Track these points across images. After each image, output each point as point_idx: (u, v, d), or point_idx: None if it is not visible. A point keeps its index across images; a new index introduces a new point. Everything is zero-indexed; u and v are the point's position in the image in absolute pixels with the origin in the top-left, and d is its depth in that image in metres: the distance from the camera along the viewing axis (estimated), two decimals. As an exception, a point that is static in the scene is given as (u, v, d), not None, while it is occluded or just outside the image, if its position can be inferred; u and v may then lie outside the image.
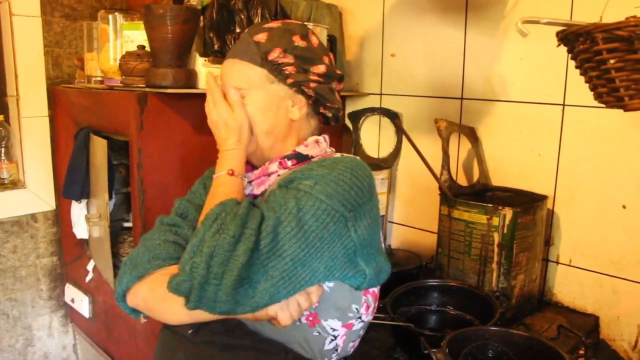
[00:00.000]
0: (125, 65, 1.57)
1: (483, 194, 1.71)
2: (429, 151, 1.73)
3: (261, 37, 1.01)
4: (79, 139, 1.75)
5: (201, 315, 0.86)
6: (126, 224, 2.00)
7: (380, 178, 1.91)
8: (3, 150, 1.97)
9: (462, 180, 1.80)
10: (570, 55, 1.02)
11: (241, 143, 1.01)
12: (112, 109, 1.64)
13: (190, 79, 1.53)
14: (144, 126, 1.51)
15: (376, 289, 1.04)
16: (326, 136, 1.11)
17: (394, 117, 1.97)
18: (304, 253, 0.84)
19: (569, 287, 1.62)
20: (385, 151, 2.05)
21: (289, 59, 1.00)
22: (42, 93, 2.00)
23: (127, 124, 1.53)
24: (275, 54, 1.00)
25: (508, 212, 1.44)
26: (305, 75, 1.01)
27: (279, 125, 1.04)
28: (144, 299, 0.94)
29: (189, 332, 0.96)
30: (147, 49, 1.54)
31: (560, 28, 1.01)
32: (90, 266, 1.92)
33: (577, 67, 1.02)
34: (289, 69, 1.00)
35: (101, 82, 1.78)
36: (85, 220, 1.81)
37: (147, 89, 1.51)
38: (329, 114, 1.09)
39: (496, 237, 1.45)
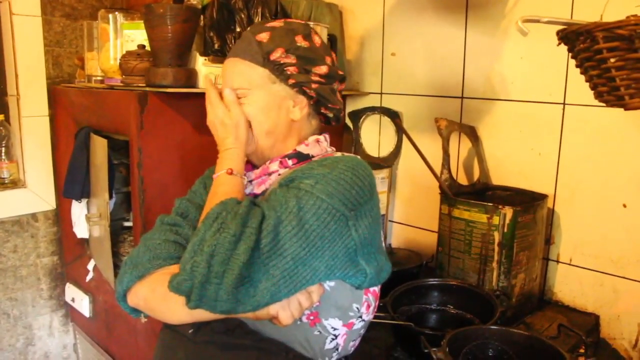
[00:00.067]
0: (126, 65, 1.57)
1: (483, 193, 1.72)
2: (430, 150, 1.73)
3: (263, 36, 1.01)
4: (79, 138, 1.75)
5: (202, 315, 0.86)
6: (126, 224, 2.00)
7: (380, 177, 1.91)
8: (3, 149, 1.97)
9: (463, 180, 1.80)
10: (570, 54, 1.02)
11: (239, 141, 1.01)
12: (113, 108, 1.64)
13: (191, 78, 1.53)
14: (144, 125, 1.51)
15: (377, 288, 1.04)
16: (327, 135, 1.11)
17: (394, 116, 1.97)
18: (304, 252, 0.84)
19: (570, 286, 1.62)
20: (385, 150, 2.05)
21: (291, 59, 1.00)
22: (42, 92, 2.00)
23: (128, 124, 1.53)
24: (277, 54, 1.00)
25: (508, 211, 1.44)
26: (306, 76, 1.01)
27: (279, 126, 1.04)
28: (145, 298, 0.94)
29: (190, 331, 0.96)
30: (148, 48, 1.54)
31: (560, 27, 1.01)
32: (90, 265, 1.92)
33: (577, 66, 1.02)
34: (291, 70, 1.00)
35: (101, 81, 1.78)
36: (85, 219, 1.81)
37: (147, 89, 1.51)
38: (330, 114, 1.09)
39: (496, 236, 1.46)
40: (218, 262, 0.81)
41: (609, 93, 0.96)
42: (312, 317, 0.95)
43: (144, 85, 1.53)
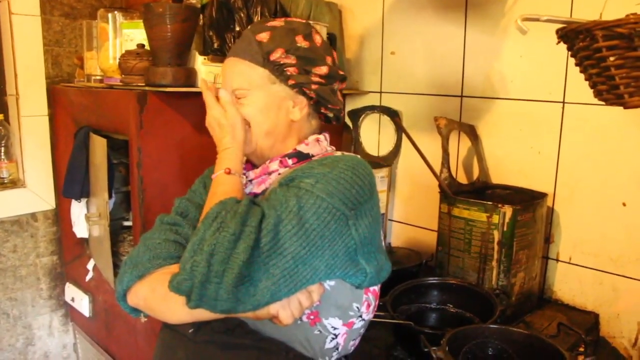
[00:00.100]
0: (125, 64, 1.56)
1: (483, 191, 1.72)
2: (429, 149, 1.73)
3: (263, 36, 1.01)
4: (79, 138, 1.75)
5: (202, 314, 0.86)
6: (126, 223, 2.00)
7: (380, 176, 1.91)
8: (3, 149, 1.97)
9: (462, 178, 1.80)
10: (570, 52, 1.02)
11: (236, 141, 1.01)
12: (112, 107, 1.64)
13: (190, 77, 1.52)
14: (144, 125, 1.51)
15: (377, 288, 1.04)
16: (327, 135, 1.11)
17: (393, 115, 1.97)
18: (305, 251, 0.84)
19: (569, 284, 1.62)
20: (385, 149, 2.05)
21: (291, 59, 1.00)
22: (41, 92, 2.00)
23: (127, 123, 1.53)
24: (277, 55, 0.99)
25: (508, 210, 1.44)
26: (306, 77, 1.01)
27: (279, 126, 1.03)
28: (145, 298, 0.94)
29: (190, 331, 0.96)
30: (147, 47, 1.54)
31: (560, 25, 1.01)
32: (90, 265, 1.92)
33: (576, 64, 1.02)
34: (291, 70, 1.00)
35: (101, 81, 1.78)
36: (85, 219, 1.81)
37: (146, 88, 1.51)
38: (330, 114, 1.09)
39: (496, 235, 1.46)
40: (218, 261, 0.81)
41: (609, 92, 0.96)
42: (312, 317, 0.95)
43: (143, 84, 1.53)
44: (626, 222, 1.48)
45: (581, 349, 1.32)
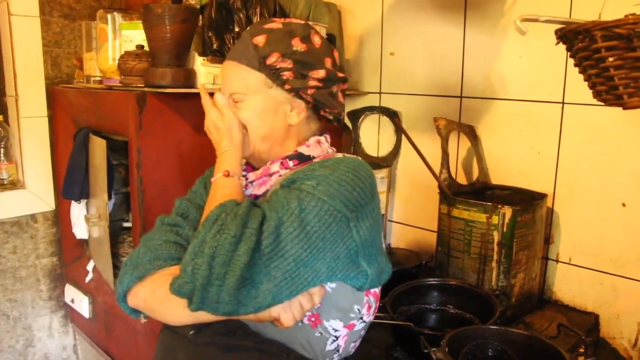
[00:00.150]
0: (124, 65, 1.56)
1: (482, 192, 1.71)
2: (429, 150, 1.73)
3: (260, 39, 1.00)
4: (78, 139, 1.75)
5: (203, 316, 0.86)
6: (126, 224, 2.00)
7: (379, 177, 1.91)
8: (2, 150, 1.97)
9: (462, 179, 1.80)
10: (569, 53, 1.02)
11: (233, 144, 1.01)
12: (111, 108, 1.64)
13: (189, 78, 1.52)
14: (143, 126, 1.51)
15: (377, 289, 1.04)
16: (327, 136, 1.11)
17: (393, 115, 1.97)
18: (306, 254, 0.84)
19: (569, 285, 1.62)
20: (384, 150, 2.05)
21: (287, 63, 0.99)
22: (41, 93, 2.00)
23: (126, 124, 1.53)
24: (273, 59, 0.99)
25: (507, 211, 1.44)
26: (303, 82, 1.00)
27: (276, 130, 1.03)
28: (145, 299, 0.94)
29: (191, 332, 0.96)
30: (146, 48, 1.54)
31: (559, 26, 1.01)
32: (90, 266, 1.92)
33: (576, 65, 1.02)
34: (287, 75, 0.99)
35: (100, 82, 1.78)
36: (84, 220, 1.81)
37: (146, 89, 1.51)
38: (330, 117, 1.08)
39: (496, 236, 1.45)
40: (219, 263, 0.81)
41: (608, 92, 0.96)
42: (313, 319, 0.95)
43: (142, 85, 1.53)
44: (626, 222, 1.48)
45: (581, 350, 1.32)
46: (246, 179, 1.05)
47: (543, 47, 1.55)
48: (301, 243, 0.84)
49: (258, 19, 1.66)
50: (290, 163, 1.02)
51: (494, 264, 1.47)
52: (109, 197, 1.71)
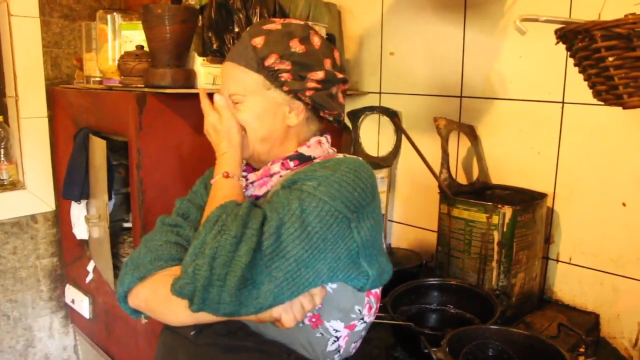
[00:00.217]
0: (124, 66, 1.57)
1: (483, 192, 1.71)
2: (429, 150, 1.73)
3: (259, 40, 1.00)
4: (78, 139, 1.75)
5: (204, 317, 0.86)
6: (126, 225, 2.00)
7: (379, 177, 1.91)
8: (2, 151, 1.97)
9: (462, 179, 1.80)
10: (569, 53, 1.02)
11: (232, 145, 1.00)
12: (111, 109, 1.64)
13: (189, 78, 1.53)
14: (143, 126, 1.51)
15: (378, 290, 1.04)
16: (328, 136, 1.10)
17: (393, 115, 1.97)
18: (307, 254, 0.84)
19: (569, 285, 1.62)
20: (384, 150, 2.05)
21: (286, 65, 0.98)
22: (41, 94, 2.00)
23: (126, 124, 1.53)
24: (271, 60, 0.98)
25: (508, 211, 1.44)
26: (301, 83, 0.99)
27: (275, 132, 1.03)
28: (146, 299, 0.94)
29: (191, 333, 0.96)
30: (146, 49, 1.54)
31: (558, 26, 1.01)
32: (90, 267, 1.92)
33: (575, 65, 1.02)
34: (285, 76, 0.99)
35: (100, 82, 1.78)
36: (85, 220, 1.81)
37: (145, 89, 1.51)
38: (330, 118, 1.07)
39: (496, 236, 1.45)
40: (220, 264, 0.81)
41: (608, 92, 0.96)
42: (314, 319, 0.95)
43: (142, 86, 1.53)
44: (626, 222, 1.48)
45: (582, 350, 1.32)
46: (247, 179, 1.05)
47: (543, 47, 1.55)
48: (302, 244, 0.84)
49: (258, 19, 1.66)
50: (291, 163, 1.02)
51: (494, 264, 1.47)
52: (109, 198, 1.72)
